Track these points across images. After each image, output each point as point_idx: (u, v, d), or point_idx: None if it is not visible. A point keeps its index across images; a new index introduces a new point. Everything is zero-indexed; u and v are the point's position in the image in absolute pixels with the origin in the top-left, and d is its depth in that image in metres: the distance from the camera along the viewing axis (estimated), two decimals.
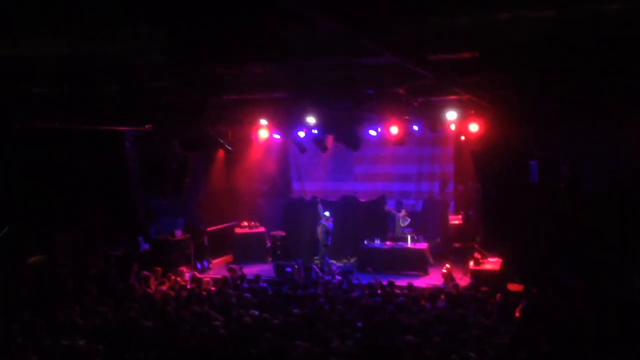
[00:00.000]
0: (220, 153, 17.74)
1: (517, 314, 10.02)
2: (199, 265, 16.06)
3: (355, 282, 12.72)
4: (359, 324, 9.50)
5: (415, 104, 12.31)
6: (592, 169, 13.42)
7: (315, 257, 16.05)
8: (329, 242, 16.14)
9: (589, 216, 12.42)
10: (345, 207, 17.32)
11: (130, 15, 6.38)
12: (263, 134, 16.34)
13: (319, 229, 16.18)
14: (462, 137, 15.94)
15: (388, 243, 16.01)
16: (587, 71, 9.12)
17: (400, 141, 14.57)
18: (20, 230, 13.14)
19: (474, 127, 14.08)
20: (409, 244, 15.77)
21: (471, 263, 14.23)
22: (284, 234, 17.57)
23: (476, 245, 15.09)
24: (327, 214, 16.27)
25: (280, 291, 11.66)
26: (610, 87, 10.36)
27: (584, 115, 13.23)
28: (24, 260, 13.35)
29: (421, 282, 13.90)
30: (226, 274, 13.61)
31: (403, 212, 16.58)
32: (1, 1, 6.24)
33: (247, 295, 11.29)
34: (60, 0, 6.28)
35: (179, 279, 13.14)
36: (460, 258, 15.66)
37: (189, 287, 12.53)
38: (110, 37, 7.00)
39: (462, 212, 17.51)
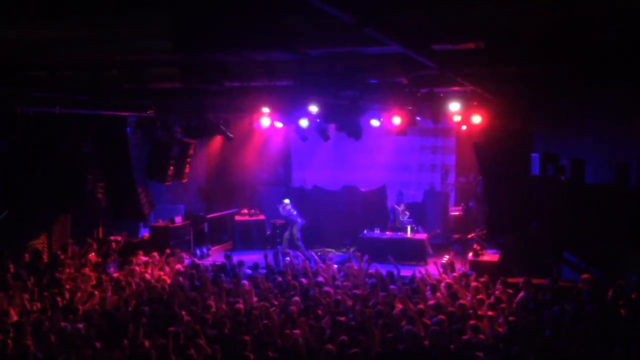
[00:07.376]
0: (222, 140, 17.70)
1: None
2: (198, 252, 16.09)
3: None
4: (351, 315, 9.54)
5: (419, 94, 12.26)
6: (595, 162, 13.40)
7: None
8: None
9: (590, 209, 12.41)
10: (345, 197, 17.34)
11: (133, 0, 6.33)
12: (265, 122, 16.25)
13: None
14: (464, 128, 15.90)
15: (388, 233, 16.03)
16: (593, 64, 9.07)
17: (402, 131, 14.50)
18: (20, 214, 13.14)
19: (476, 119, 14.04)
20: (409, 234, 15.78)
21: (470, 254, 14.23)
22: (284, 222, 17.58)
23: (476, 237, 15.09)
24: (287, 200, 16.45)
25: (278, 279, 11.67)
26: (616, 80, 10.32)
27: (587, 108, 13.20)
28: (24, 243, 13.36)
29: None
30: (225, 261, 13.60)
31: (402, 207, 16.57)
32: None
33: (245, 282, 11.30)
34: None
35: (178, 265, 13.14)
36: (459, 249, 15.67)
37: (188, 273, 12.53)
38: (113, 23, 6.95)
39: (462, 204, 17.53)
